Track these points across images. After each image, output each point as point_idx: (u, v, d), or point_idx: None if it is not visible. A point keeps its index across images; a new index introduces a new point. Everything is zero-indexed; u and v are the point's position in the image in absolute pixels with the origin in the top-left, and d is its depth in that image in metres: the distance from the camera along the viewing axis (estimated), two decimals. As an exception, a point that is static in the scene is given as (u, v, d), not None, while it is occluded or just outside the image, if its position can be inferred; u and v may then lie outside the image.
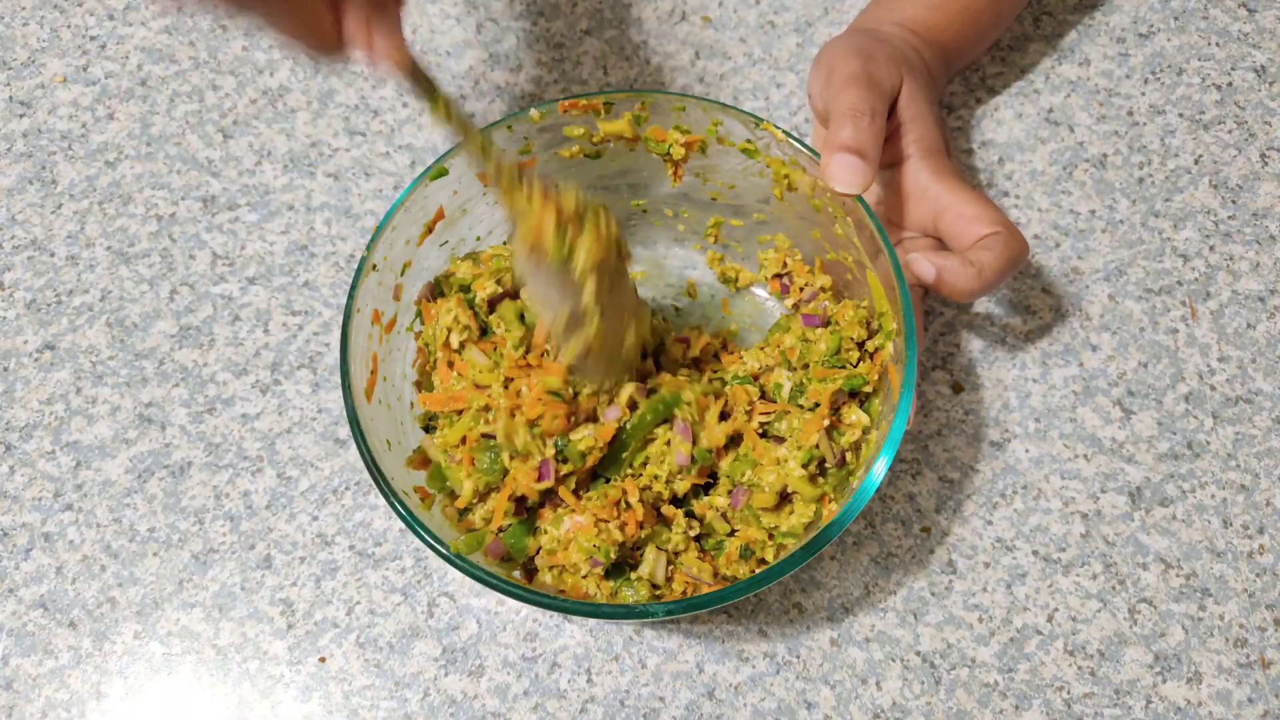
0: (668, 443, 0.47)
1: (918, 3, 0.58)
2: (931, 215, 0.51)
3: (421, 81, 0.40)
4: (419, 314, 0.51)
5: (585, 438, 0.46)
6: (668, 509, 0.48)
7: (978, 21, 0.59)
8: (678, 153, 0.52)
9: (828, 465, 0.47)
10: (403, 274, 0.50)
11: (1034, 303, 0.59)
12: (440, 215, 0.50)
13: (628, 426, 0.47)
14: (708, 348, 0.52)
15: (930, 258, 0.49)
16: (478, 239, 0.53)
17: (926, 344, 0.58)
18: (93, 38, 0.67)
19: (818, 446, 0.47)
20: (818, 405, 0.48)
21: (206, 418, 0.57)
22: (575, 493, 0.47)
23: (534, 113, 0.49)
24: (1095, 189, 0.62)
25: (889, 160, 0.53)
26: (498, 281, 0.49)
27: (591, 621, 0.52)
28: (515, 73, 0.65)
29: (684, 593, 0.47)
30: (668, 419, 0.47)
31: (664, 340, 0.52)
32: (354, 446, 0.52)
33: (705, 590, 0.46)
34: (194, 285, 0.60)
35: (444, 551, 0.42)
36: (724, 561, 0.48)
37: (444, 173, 0.49)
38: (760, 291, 0.57)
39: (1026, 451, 0.55)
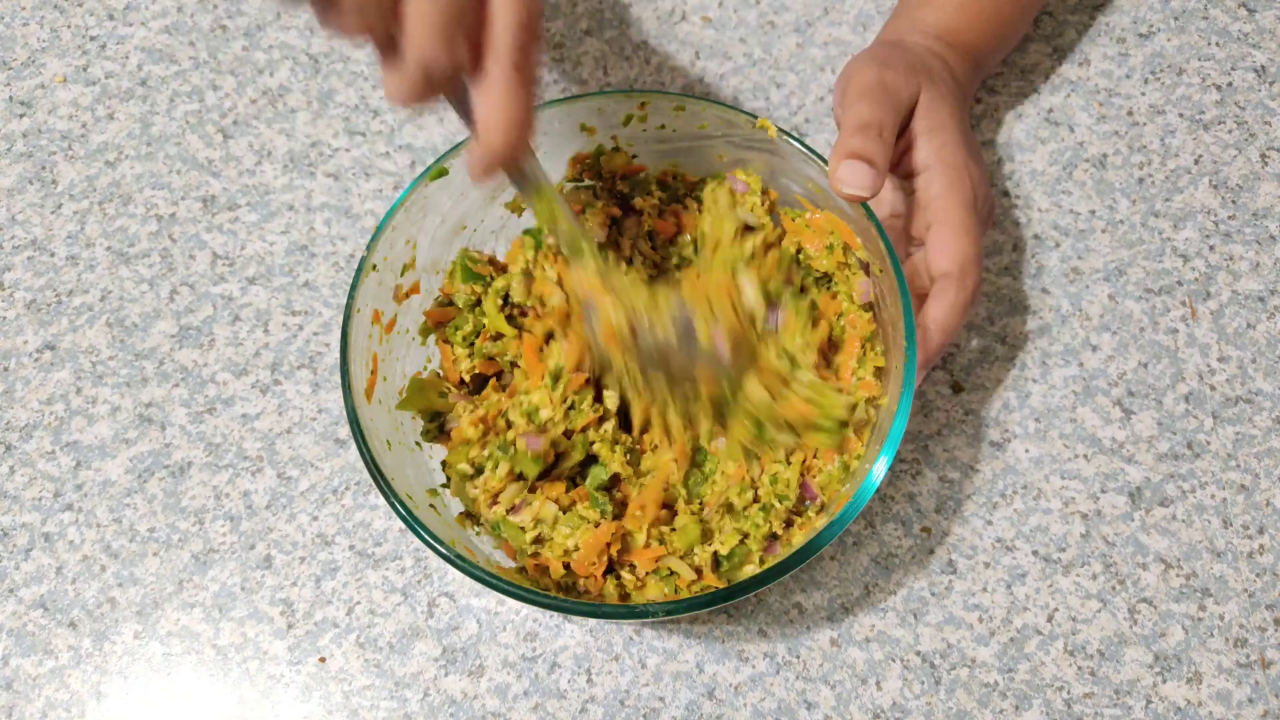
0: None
1: (938, 6, 0.58)
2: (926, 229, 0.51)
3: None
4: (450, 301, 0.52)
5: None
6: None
7: (1002, 16, 0.59)
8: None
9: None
10: (403, 274, 0.50)
11: (1034, 303, 0.59)
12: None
13: None
14: None
15: None
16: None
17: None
18: (93, 38, 0.67)
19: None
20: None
21: (206, 418, 0.57)
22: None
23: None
24: (1095, 189, 0.62)
25: (906, 171, 0.52)
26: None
27: (591, 621, 0.52)
28: (515, 73, 0.65)
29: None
30: None
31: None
32: (354, 446, 0.52)
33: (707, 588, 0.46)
34: (194, 285, 0.60)
35: (444, 551, 0.42)
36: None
37: (444, 173, 0.49)
38: None
39: (1026, 451, 0.55)
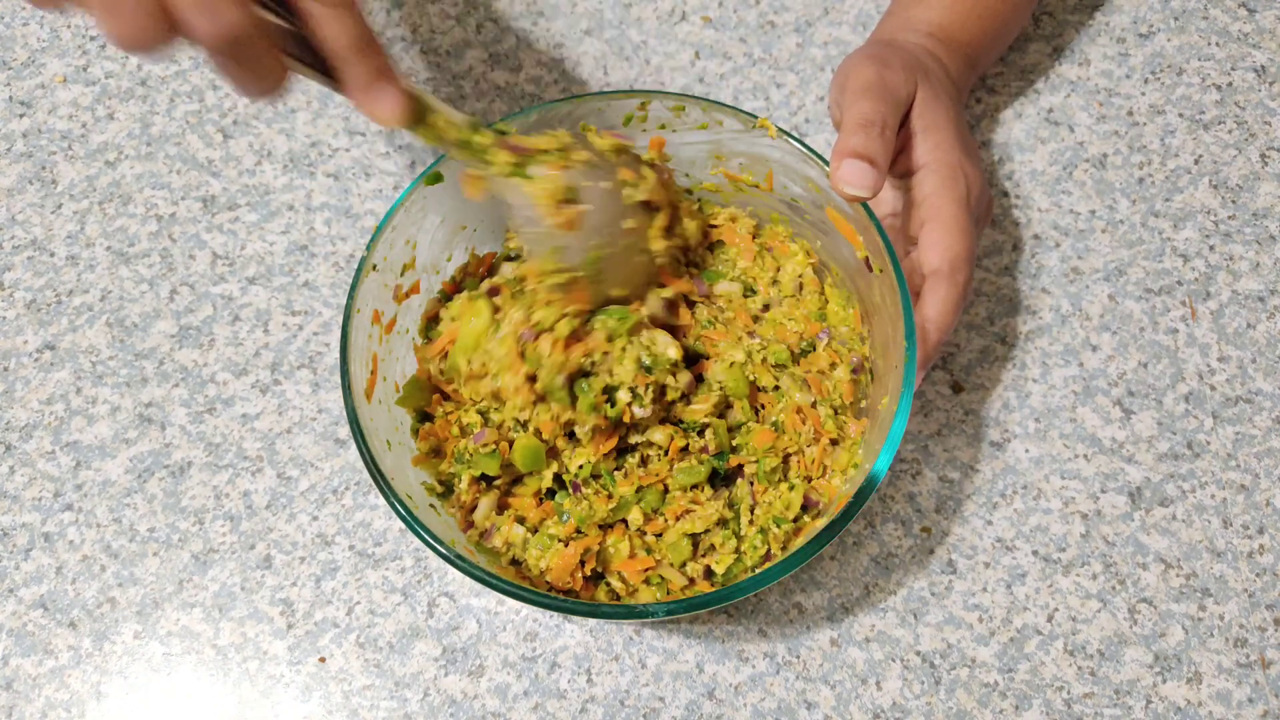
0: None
1: (931, 5, 0.58)
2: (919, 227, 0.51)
3: (431, 119, 0.42)
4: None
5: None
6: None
7: (995, 13, 0.59)
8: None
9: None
10: (402, 274, 0.50)
11: (1034, 303, 0.59)
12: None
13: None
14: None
15: None
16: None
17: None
18: (93, 38, 0.67)
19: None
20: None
21: (206, 418, 0.57)
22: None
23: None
24: (1095, 189, 0.62)
25: (903, 170, 0.52)
26: None
27: (591, 621, 0.52)
28: (515, 73, 0.65)
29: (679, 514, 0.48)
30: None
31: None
32: (354, 446, 0.52)
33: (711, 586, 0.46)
34: (194, 285, 0.60)
35: (444, 551, 0.42)
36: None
37: (439, 178, 0.49)
38: None
39: (1026, 451, 0.55)
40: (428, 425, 0.49)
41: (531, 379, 0.46)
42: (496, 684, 0.51)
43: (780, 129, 0.48)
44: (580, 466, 0.47)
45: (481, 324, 0.47)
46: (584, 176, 0.45)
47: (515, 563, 0.47)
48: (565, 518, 0.47)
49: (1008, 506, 0.54)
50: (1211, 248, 0.60)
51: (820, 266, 0.53)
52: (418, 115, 0.41)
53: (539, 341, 0.46)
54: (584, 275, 0.46)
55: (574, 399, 0.46)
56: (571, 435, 0.48)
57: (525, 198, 0.44)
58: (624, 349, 0.47)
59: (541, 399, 0.46)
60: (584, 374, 0.47)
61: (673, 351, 0.47)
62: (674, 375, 0.47)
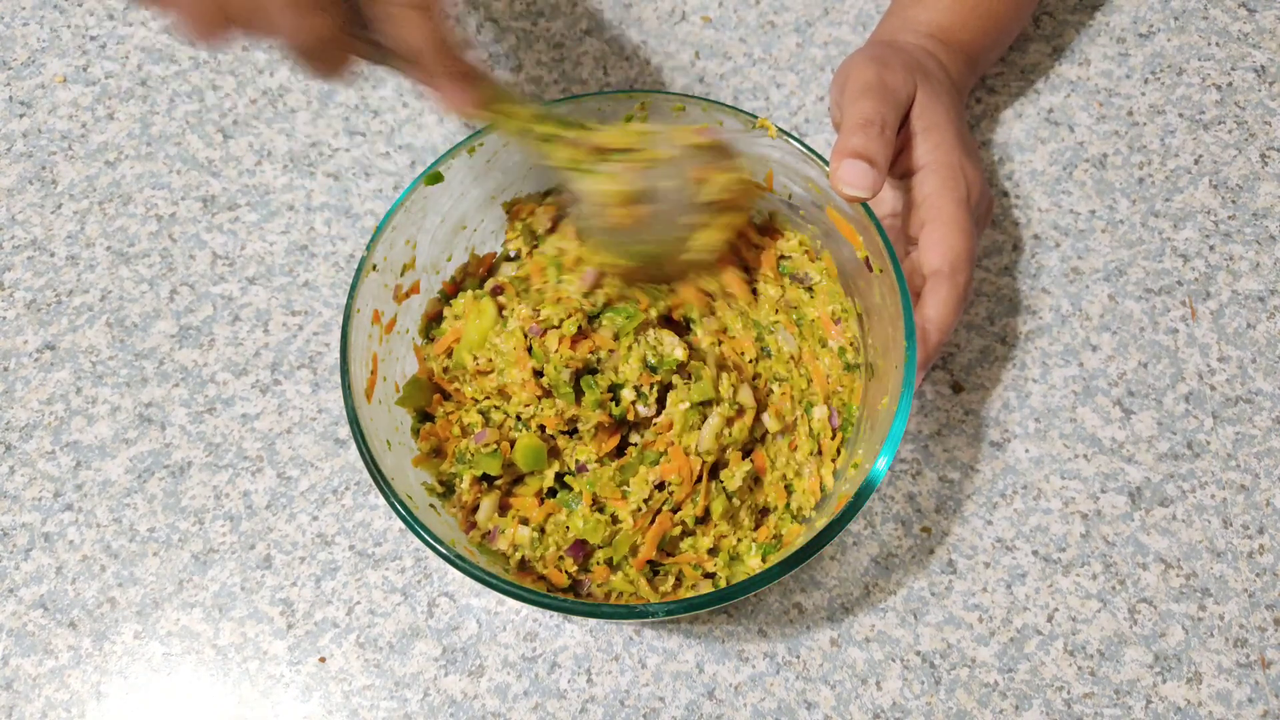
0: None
1: (931, 6, 0.58)
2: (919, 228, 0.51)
3: (497, 106, 0.44)
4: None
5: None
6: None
7: (995, 14, 0.59)
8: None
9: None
10: (402, 274, 0.50)
11: (1034, 303, 0.59)
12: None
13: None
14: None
15: None
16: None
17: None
18: (93, 38, 0.67)
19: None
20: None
21: (206, 418, 0.57)
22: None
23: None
24: (1095, 189, 0.62)
25: (903, 171, 0.52)
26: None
27: (591, 621, 0.52)
28: (515, 73, 0.65)
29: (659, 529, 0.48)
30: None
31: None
32: (354, 446, 0.52)
33: (706, 587, 0.46)
34: (194, 285, 0.60)
35: (444, 551, 0.42)
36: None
37: (439, 178, 0.49)
38: None
39: (1026, 451, 0.55)
40: (428, 425, 0.49)
41: (537, 374, 0.46)
42: (496, 684, 0.51)
43: (780, 129, 0.48)
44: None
45: (488, 321, 0.48)
46: (649, 178, 0.45)
47: (524, 563, 0.47)
48: (575, 505, 0.47)
49: (1008, 506, 0.54)
50: (1211, 248, 0.60)
51: None
52: (485, 103, 0.43)
53: (546, 337, 0.46)
54: (632, 264, 0.47)
55: (579, 395, 0.46)
56: (573, 433, 0.48)
57: (585, 193, 0.45)
58: (630, 348, 0.47)
59: (547, 394, 0.47)
60: (590, 370, 0.47)
61: (679, 352, 0.47)
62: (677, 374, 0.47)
